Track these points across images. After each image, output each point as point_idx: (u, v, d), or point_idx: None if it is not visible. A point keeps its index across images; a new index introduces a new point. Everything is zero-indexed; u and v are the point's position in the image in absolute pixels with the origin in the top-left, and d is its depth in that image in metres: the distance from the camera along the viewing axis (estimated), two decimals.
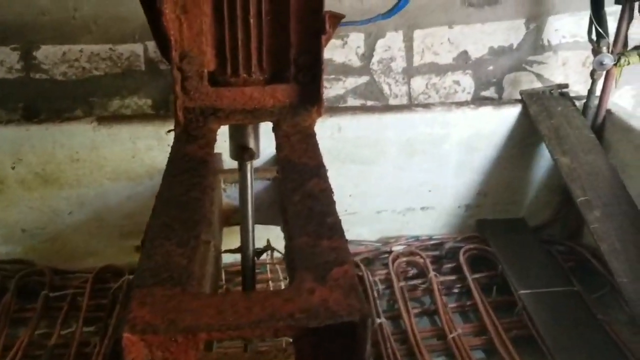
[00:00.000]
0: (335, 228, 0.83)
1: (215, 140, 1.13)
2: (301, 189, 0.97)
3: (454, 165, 2.25)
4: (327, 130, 2.11)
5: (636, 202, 1.83)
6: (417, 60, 2.31)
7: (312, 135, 1.14)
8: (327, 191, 0.94)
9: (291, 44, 1.16)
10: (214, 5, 1.14)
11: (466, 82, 2.35)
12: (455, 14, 2.25)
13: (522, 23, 2.31)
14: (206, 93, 1.18)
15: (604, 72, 2.09)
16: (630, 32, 2.04)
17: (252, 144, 1.27)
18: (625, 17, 2.02)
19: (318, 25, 1.12)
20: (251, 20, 1.15)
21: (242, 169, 1.30)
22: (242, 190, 1.34)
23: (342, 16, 1.18)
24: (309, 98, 1.17)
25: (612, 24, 2.04)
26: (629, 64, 2.04)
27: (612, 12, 2.04)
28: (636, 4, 1.98)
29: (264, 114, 1.19)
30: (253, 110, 1.19)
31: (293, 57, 1.17)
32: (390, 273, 2.10)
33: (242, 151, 1.25)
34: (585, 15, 2.07)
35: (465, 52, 2.31)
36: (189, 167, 1.04)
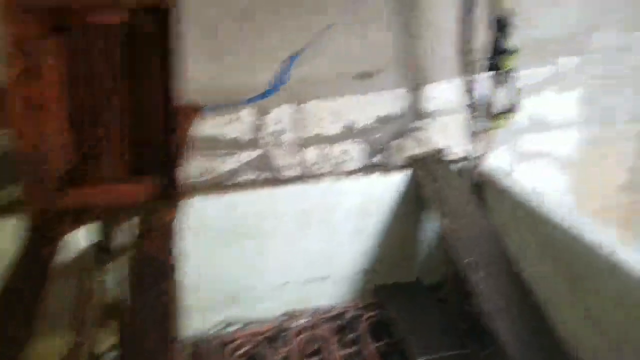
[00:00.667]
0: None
1: (69, 240, 1.09)
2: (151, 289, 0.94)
3: (349, 233, 2.28)
4: (222, 209, 2.09)
5: (516, 259, 1.91)
6: (307, 132, 2.36)
7: (171, 230, 1.12)
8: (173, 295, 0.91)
9: (149, 140, 1.16)
10: (72, 104, 1.12)
11: (355, 151, 2.42)
12: (341, 86, 2.33)
13: (404, 92, 2.43)
14: (62, 193, 1.14)
15: (480, 135, 2.23)
16: (500, 96, 2.19)
17: (113, 241, 1.24)
18: (496, 84, 2.17)
19: (171, 122, 1.13)
20: (111, 119, 1.14)
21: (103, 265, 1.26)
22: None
23: (200, 108, 1.20)
24: (168, 193, 1.16)
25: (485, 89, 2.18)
26: (500, 127, 2.18)
27: (485, 78, 2.18)
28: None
29: (124, 210, 1.16)
30: (112, 207, 1.16)
31: (152, 154, 1.17)
32: (293, 350, 2.06)
33: (103, 251, 1.21)
34: (460, 82, 2.21)
35: (352, 122, 2.38)
36: (37, 272, 0.99)
